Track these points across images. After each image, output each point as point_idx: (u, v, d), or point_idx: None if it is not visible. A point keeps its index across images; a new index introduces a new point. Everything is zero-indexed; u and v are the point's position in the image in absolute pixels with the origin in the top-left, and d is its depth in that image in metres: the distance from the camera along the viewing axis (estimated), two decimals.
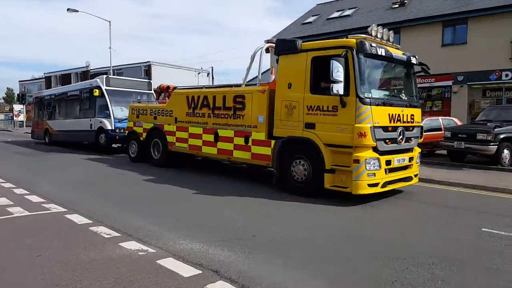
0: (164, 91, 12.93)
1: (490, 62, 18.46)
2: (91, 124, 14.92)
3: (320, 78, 7.24)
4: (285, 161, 7.76)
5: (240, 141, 8.70)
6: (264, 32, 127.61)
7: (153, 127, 11.36)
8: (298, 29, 27.19)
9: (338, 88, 6.51)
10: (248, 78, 9.93)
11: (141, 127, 11.84)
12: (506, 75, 18.02)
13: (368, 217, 6.28)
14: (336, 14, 26.64)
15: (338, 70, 6.48)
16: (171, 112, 10.70)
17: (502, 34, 18.29)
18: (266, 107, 8.11)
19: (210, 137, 9.43)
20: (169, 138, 10.74)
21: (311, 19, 28.18)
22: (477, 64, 18.92)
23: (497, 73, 18.26)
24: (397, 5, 23.59)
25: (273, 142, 7.96)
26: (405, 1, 23.46)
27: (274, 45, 8.89)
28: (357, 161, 6.66)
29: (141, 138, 11.81)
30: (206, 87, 10.56)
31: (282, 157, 7.81)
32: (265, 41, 9.09)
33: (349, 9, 26.50)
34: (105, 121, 14.28)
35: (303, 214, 6.32)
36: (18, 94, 46.95)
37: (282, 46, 7.78)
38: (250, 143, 8.46)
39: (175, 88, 12.77)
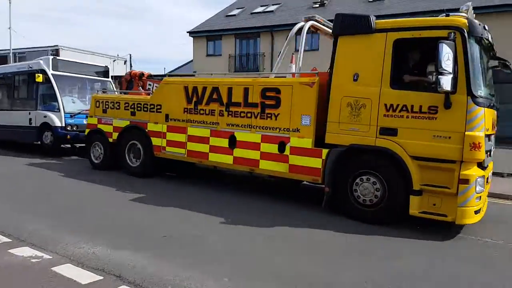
0: (135, 79, 10.27)
1: None
2: (30, 119, 11.54)
3: (407, 67, 5.46)
4: (344, 177, 5.84)
5: (271, 148, 6.58)
6: (187, 20, 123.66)
7: (129, 125, 8.68)
8: (221, 21, 26.90)
9: (447, 82, 4.74)
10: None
11: (110, 124, 9.08)
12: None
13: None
14: (260, 9, 26.70)
15: (448, 58, 4.72)
16: (159, 107, 8.17)
17: None
18: (315, 104, 6.12)
19: (223, 142, 7.17)
20: (155, 141, 8.20)
21: (235, 11, 27.75)
22: None
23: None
24: (317, 5, 24.48)
25: (324, 151, 6.00)
26: (324, 2, 24.51)
27: (318, 23, 6.94)
28: (466, 181, 4.94)
29: (110, 139, 9.05)
30: (215, 74, 8.17)
31: (339, 171, 5.87)
32: (305, 18, 7.05)
33: (272, 5, 26.77)
34: (52, 115, 11.07)
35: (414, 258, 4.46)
36: None
37: (347, 24, 5.79)
38: (287, 152, 6.39)
39: (151, 75, 10.25)
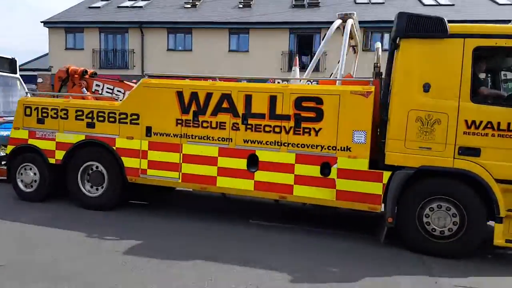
0: (73, 77, 7.84)
1: (267, 71, 20.93)
2: None
3: (490, 79, 4.83)
4: (411, 205, 4.98)
5: (309, 170, 5.35)
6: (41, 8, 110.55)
7: (84, 141, 6.46)
8: (83, 13, 25.49)
9: None
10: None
11: (51, 139, 6.62)
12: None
13: None
14: (128, 3, 26.02)
15: None
16: (134, 117, 6.15)
17: (276, 47, 22.67)
18: (371, 118, 5.13)
19: (239, 163, 5.65)
20: (129, 162, 6.19)
21: (99, 3, 26.47)
22: (257, 72, 20.71)
23: (271, 81, 19.83)
24: (189, 5, 25.24)
25: (386, 174, 5.06)
26: (196, 3, 25.27)
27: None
28: None
29: (52, 160, 6.63)
30: (220, 78, 6.41)
31: (404, 198, 4.99)
32: (342, 15, 5.96)
33: (141, 0, 26.37)
34: None
35: None
36: None
37: (415, 25, 4.91)
38: (333, 175, 5.26)
39: (95, 73, 8.02)
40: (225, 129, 5.71)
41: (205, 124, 5.80)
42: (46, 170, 6.71)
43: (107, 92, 7.60)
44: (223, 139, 5.73)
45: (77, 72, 7.73)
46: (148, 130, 6.08)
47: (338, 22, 6.01)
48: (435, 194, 4.92)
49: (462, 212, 4.80)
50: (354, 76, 6.84)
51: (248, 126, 5.59)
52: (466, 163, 4.76)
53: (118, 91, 7.54)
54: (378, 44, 6.80)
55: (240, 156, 5.65)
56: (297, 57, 7.20)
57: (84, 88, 7.61)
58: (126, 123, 6.19)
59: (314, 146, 5.32)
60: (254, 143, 5.58)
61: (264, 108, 5.51)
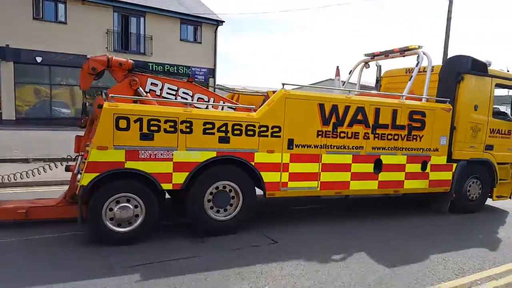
0: (117, 70, 5.78)
1: (91, 48, 21.68)
2: None
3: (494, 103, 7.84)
4: (462, 183, 7.60)
5: (414, 168, 7.00)
6: None
7: (215, 158, 5.43)
8: None
9: None
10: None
11: (167, 160, 5.14)
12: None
13: None
14: None
15: None
16: (276, 129, 5.78)
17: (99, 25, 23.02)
18: (450, 127, 7.25)
19: (367, 167, 6.57)
20: (269, 177, 5.83)
21: None
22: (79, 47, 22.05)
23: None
24: None
25: (454, 165, 7.40)
26: None
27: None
28: None
29: (167, 186, 5.19)
30: (352, 91, 6.40)
31: (460, 179, 7.53)
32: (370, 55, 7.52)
33: None
34: None
35: None
36: None
37: (474, 66, 7.28)
38: (428, 169, 7.12)
39: (143, 69, 6.48)
40: (358, 138, 6.46)
41: (342, 135, 6.32)
42: (155, 200, 5.22)
43: (168, 93, 6.16)
44: (356, 147, 6.47)
45: (124, 65, 5.81)
46: (290, 142, 5.94)
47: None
48: (471, 174, 7.73)
49: (478, 183, 7.81)
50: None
51: (376, 135, 6.59)
52: (487, 155, 7.77)
53: (184, 93, 6.27)
54: (380, 63, 8.85)
55: (368, 161, 6.60)
56: (338, 68, 8.17)
57: (140, 88, 5.87)
58: (267, 136, 5.77)
59: (418, 149, 7.00)
60: (380, 149, 6.66)
61: (388, 119, 6.65)
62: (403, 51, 7.81)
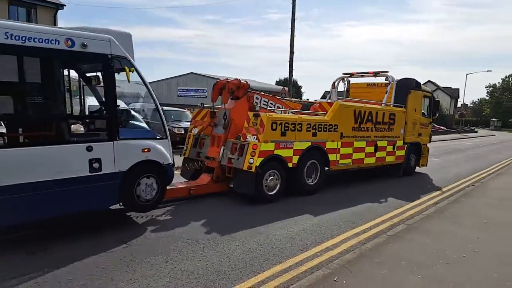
0: (237, 90, 8.49)
1: None
2: (98, 161, 5.38)
3: (424, 108, 12.72)
4: (409, 156, 12.34)
5: (390, 148, 11.35)
6: None
7: (310, 146, 8.63)
8: None
9: (435, 116, 13.01)
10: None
11: (290, 148, 8.15)
12: None
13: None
14: None
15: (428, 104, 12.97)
16: (335, 126, 9.28)
17: None
18: (404, 122, 11.79)
19: (371, 149, 10.60)
20: (332, 157, 9.32)
21: None
22: None
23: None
24: None
25: (406, 146, 12.01)
26: None
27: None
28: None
29: (290, 164, 8.23)
30: (362, 102, 10.15)
31: (408, 154, 12.22)
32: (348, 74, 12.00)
33: None
34: (157, 146, 6.14)
35: None
36: None
37: (416, 84, 12.04)
38: (395, 149, 11.55)
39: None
40: (368, 131, 10.42)
41: (363, 129, 10.21)
42: (284, 174, 8.23)
43: (263, 105, 9.04)
44: (367, 137, 10.43)
45: (243, 87, 8.51)
46: (341, 135, 9.55)
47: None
48: (412, 152, 12.54)
49: (409, 154, 12.70)
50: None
51: (376, 128, 10.66)
52: (419, 139, 12.68)
53: (271, 103, 9.21)
54: (349, 79, 13.07)
55: (372, 145, 10.66)
56: (334, 82, 12.01)
57: (255, 102, 8.69)
58: (331, 131, 9.26)
59: (392, 136, 11.36)
60: (377, 137, 10.78)
61: (381, 118, 10.81)
62: (376, 73, 12.10)
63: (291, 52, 16.60)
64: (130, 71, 5.67)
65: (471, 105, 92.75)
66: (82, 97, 6.85)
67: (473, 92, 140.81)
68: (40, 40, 4.96)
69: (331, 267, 4.86)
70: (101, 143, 5.60)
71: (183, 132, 15.23)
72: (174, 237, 5.87)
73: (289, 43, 16.85)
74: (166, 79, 48.01)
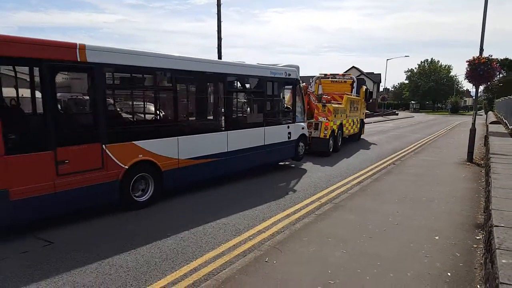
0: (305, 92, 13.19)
1: None
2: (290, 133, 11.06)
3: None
4: (361, 128, 15.86)
5: (357, 123, 16.55)
6: None
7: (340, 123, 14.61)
8: None
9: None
10: None
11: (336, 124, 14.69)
12: None
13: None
14: None
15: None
16: (345, 110, 15.00)
17: None
18: (360, 107, 16.60)
19: (352, 124, 15.81)
20: (344, 129, 15.16)
21: None
22: None
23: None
24: None
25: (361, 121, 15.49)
26: None
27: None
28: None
29: (335, 133, 14.21)
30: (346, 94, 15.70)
31: (361, 127, 16.28)
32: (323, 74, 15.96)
33: None
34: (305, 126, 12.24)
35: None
36: None
37: (364, 82, 15.17)
38: (358, 123, 16.81)
39: None
40: (352, 112, 15.21)
41: (351, 111, 14.36)
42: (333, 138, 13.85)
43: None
44: (352, 116, 15.09)
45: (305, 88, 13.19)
46: (346, 115, 14.27)
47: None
48: (362, 125, 14.53)
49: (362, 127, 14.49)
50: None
51: (354, 109, 13.51)
52: (363, 116, 15.52)
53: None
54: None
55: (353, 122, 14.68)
56: (314, 78, 13.78)
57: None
58: (344, 113, 13.36)
59: (357, 116, 14.10)
60: (353, 116, 15.11)
61: (355, 104, 12.91)
62: (344, 75, 16.72)
63: (219, 38, 16.42)
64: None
65: (392, 89, 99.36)
66: (283, 102, 11.47)
67: (393, 76, 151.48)
68: (279, 74, 10.37)
69: (262, 249, 4.99)
70: (290, 124, 10.95)
71: None
72: (101, 230, 5.64)
73: (217, 29, 16.67)
74: None
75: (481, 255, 4.82)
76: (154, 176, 7.01)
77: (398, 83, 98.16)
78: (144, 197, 6.93)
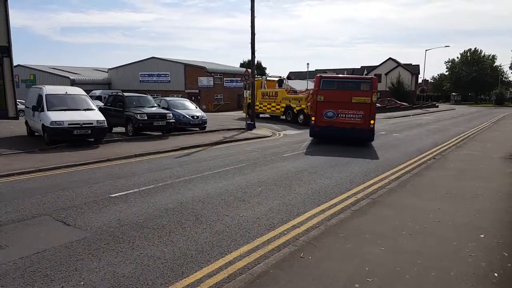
0: None
1: None
2: None
3: None
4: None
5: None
6: None
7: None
8: None
9: None
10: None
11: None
12: None
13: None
14: None
15: None
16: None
17: None
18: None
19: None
20: None
21: None
22: None
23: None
24: None
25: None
26: None
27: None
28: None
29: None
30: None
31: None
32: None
33: None
34: None
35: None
36: None
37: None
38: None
39: None
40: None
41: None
42: None
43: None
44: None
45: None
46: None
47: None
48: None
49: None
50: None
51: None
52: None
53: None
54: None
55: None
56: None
57: None
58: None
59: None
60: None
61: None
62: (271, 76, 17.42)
63: (252, 34, 16.36)
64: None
65: (432, 81, 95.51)
66: None
67: (433, 67, 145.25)
68: None
69: (297, 244, 4.92)
70: None
71: (146, 118, 14.89)
72: (138, 224, 5.77)
73: (250, 25, 16.59)
74: (126, 65, 46.41)
75: None
76: None
77: (438, 74, 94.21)
78: None
